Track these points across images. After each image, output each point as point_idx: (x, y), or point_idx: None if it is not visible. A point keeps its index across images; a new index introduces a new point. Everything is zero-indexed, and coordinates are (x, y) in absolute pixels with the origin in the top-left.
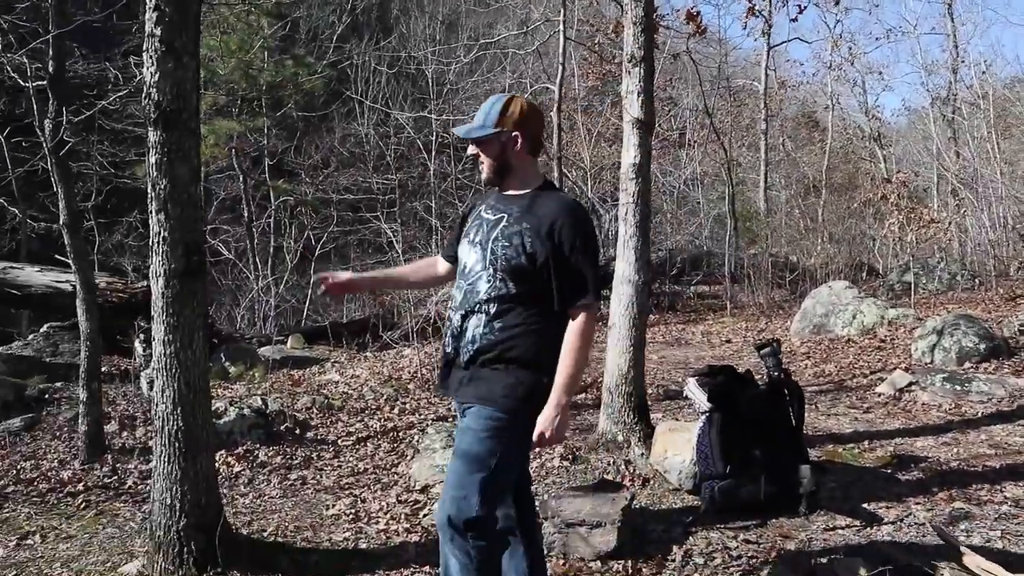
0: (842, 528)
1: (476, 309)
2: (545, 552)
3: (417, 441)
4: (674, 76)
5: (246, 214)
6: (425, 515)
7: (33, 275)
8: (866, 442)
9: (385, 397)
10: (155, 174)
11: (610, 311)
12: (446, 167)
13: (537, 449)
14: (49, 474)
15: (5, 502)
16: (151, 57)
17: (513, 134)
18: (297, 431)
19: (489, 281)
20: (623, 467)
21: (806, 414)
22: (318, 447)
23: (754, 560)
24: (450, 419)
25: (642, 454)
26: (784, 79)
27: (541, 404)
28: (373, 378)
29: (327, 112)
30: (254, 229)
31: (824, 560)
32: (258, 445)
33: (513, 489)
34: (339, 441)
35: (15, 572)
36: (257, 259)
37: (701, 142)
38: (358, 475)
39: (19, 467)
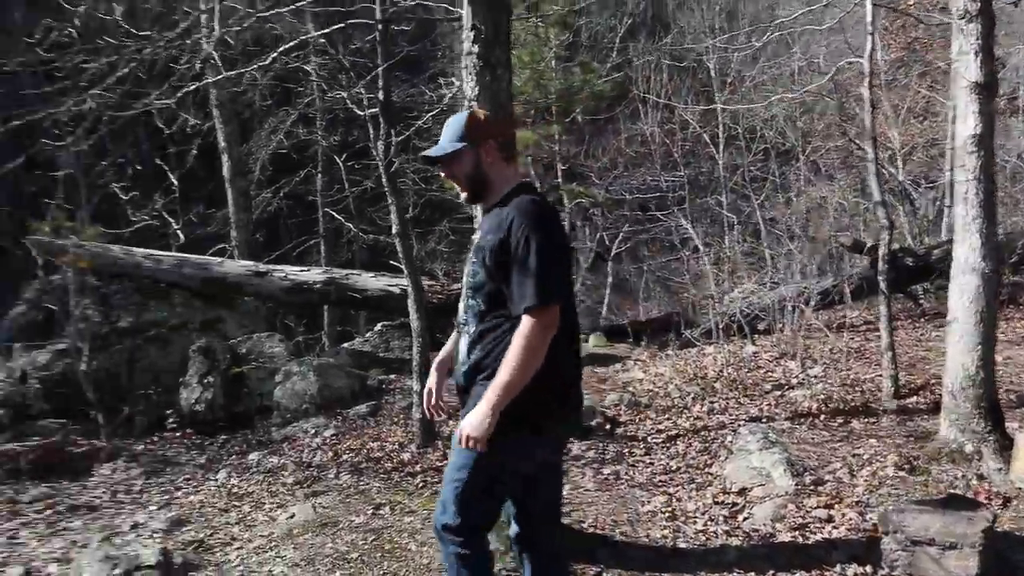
0: None
1: (462, 329)
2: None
3: (730, 442)
4: (999, 31)
5: None
6: (745, 519)
7: (368, 280)
8: None
9: (692, 396)
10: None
11: (949, 304)
12: (736, 160)
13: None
14: (391, 455)
15: (361, 476)
16: (470, 73)
17: (485, 143)
18: (607, 427)
19: (465, 299)
20: (974, 482)
21: None
22: (629, 443)
23: None
24: (763, 419)
25: (999, 468)
26: None
27: (517, 421)
28: (677, 376)
29: (612, 115)
30: None
31: None
32: (572, 439)
33: (517, 509)
34: (649, 438)
35: (374, 536)
36: None
37: None
38: (671, 473)
39: (368, 447)
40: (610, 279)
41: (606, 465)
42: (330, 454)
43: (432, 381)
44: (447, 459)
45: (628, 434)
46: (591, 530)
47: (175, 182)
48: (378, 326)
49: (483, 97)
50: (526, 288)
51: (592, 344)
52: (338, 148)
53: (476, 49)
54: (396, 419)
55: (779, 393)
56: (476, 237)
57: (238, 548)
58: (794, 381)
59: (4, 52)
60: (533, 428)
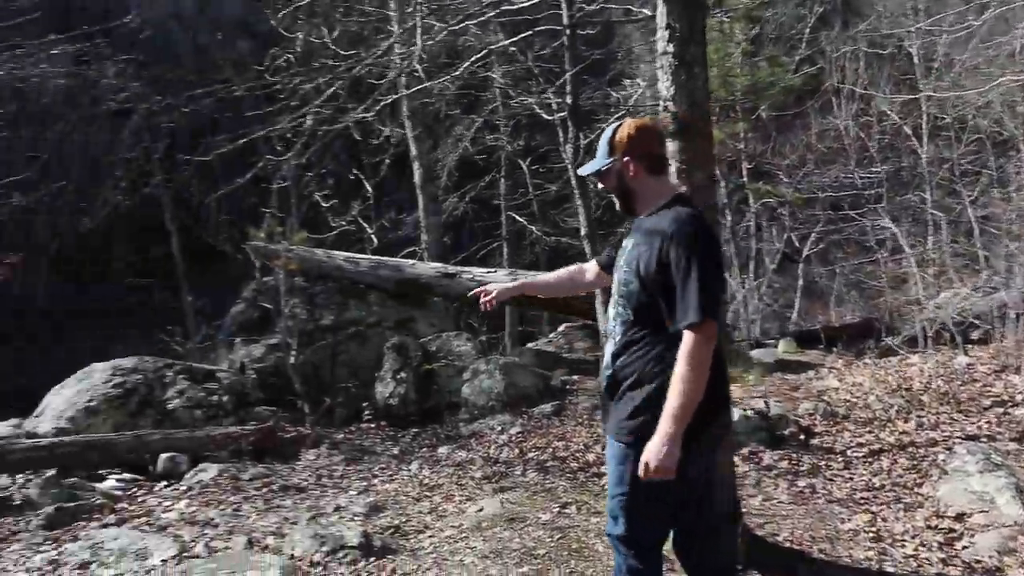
0: None
1: (609, 335)
2: None
3: (943, 461)
4: None
5: (728, 218)
6: (964, 548)
7: None
8: None
9: (896, 408)
10: (675, 182)
11: None
12: (943, 152)
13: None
14: (577, 455)
15: (547, 474)
16: (665, 73)
17: (624, 159)
18: (801, 437)
19: (615, 307)
20: None
21: None
22: (825, 456)
23: None
24: (982, 439)
25: None
26: None
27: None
28: (878, 387)
29: (801, 109)
30: (735, 232)
31: None
32: (762, 448)
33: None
34: (848, 452)
35: (560, 535)
36: (737, 263)
37: None
38: (874, 491)
39: (553, 446)
40: (800, 282)
41: (800, 477)
42: (516, 451)
43: (504, 286)
44: None
45: (824, 446)
46: (787, 544)
47: (370, 190)
48: (562, 327)
49: (679, 96)
50: (688, 304)
51: (781, 350)
52: (522, 153)
53: (671, 48)
54: (580, 419)
55: (1001, 411)
56: (627, 244)
57: (431, 536)
58: (1019, 398)
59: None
60: (689, 440)
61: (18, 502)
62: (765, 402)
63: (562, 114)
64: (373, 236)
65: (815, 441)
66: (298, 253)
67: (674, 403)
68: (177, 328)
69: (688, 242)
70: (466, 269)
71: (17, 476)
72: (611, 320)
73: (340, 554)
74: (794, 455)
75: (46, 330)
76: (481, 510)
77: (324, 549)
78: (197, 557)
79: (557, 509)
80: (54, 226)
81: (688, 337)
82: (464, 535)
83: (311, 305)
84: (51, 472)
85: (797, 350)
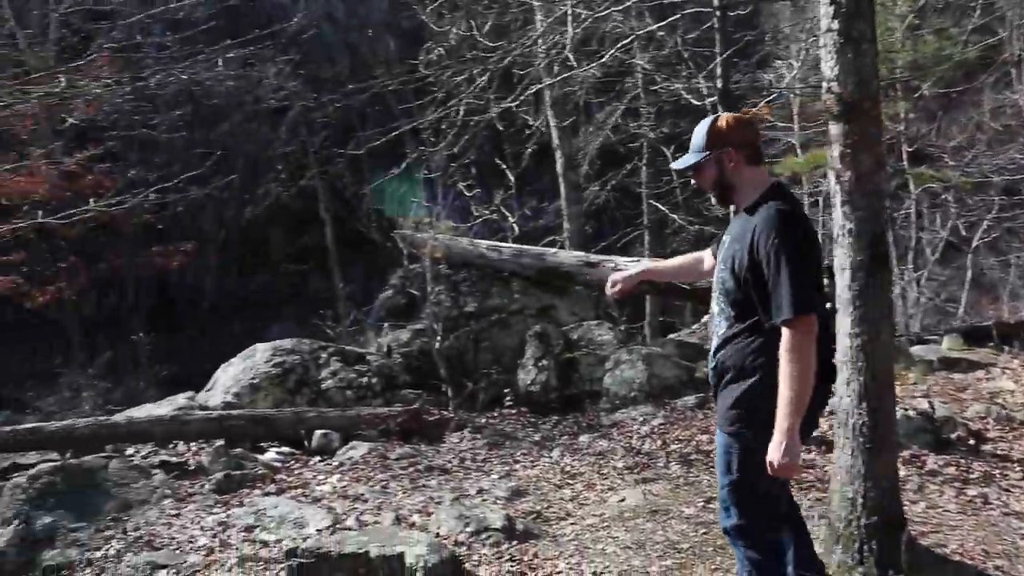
0: None
1: (713, 330)
2: None
3: None
4: None
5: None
6: None
7: None
8: None
9: None
10: (838, 166)
11: None
12: None
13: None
14: None
15: (691, 467)
16: (829, 51)
17: (725, 151)
18: (971, 442)
19: (716, 303)
20: None
21: None
22: (1000, 463)
23: None
24: None
25: None
26: None
27: (765, 423)
28: None
29: (971, 85)
30: (893, 221)
31: None
32: (926, 451)
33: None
34: None
35: (704, 530)
36: (894, 253)
37: None
38: None
39: (696, 439)
40: (968, 273)
41: (970, 485)
42: (658, 443)
43: (627, 274)
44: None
45: (998, 452)
46: (956, 557)
47: (512, 179)
48: (704, 318)
49: (845, 76)
50: (780, 300)
51: (946, 347)
52: (664, 139)
53: (836, 25)
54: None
55: None
56: (725, 240)
57: (572, 524)
58: None
59: (381, 76)
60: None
61: (192, 467)
62: (930, 403)
63: (712, 99)
64: (515, 225)
65: (987, 447)
66: (443, 241)
67: (783, 399)
68: (329, 313)
69: (777, 238)
70: (608, 258)
71: (192, 444)
72: (714, 316)
73: (484, 536)
74: (962, 461)
75: (214, 316)
76: (623, 500)
77: (468, 530)
78: (349, 529)
79: (702, 504)
80: (220, 218)
81: (786, 333)
82: (606, 524)
83: (455, 292)
84: (220, 442)
85: (964, 347)
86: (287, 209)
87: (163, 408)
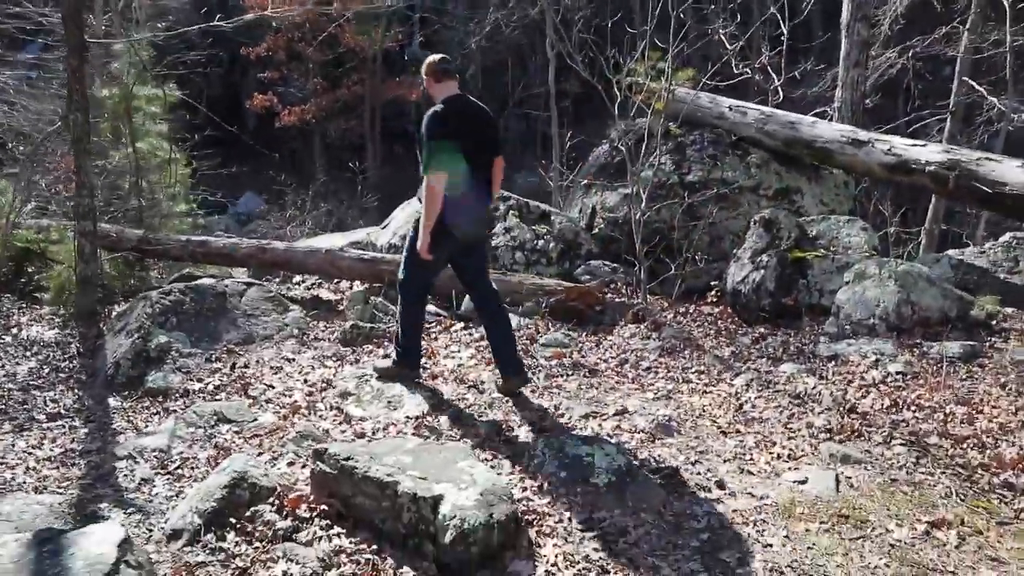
0: None
1: None
2: None
3: None
4: None
5: None
6: None
7: (1010, 171)
8: None
9: None
10: None
11: None
12: None
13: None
14: (985, 440)
15: (924, 455)
16: None
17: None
18: None
19: None
20: None
21: None
22: None
23: None
24: None
25: None
26: None
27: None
28: None
29: None
30: None
31: None
32: None
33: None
34: None
35: (912, 569)
36: None
37: None
38: None
39: (948, 411)
40: None
41: None
42: (887, 402)
43: None
44: None
45: None
46: None
47: (785, 31)
48: (1005, 236)
49: None
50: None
51: None
52: None
53: None
54: (1006, 380)
55: None
56: None
57: (710, 502)
58: None
59: None
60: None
61: (341, 308)
62: None
63: None
64: (779, 88)
65: None
66: (678, 94)
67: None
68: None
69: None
70: (883, 137)
71: (352, 283)
72: None
73: (577, 487)
74: None
75: None
76: (803, 482)
77: (562, 476)
78: (431, 430)
79: (924, 524)
80: (463, 53)
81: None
82: (756, 521)
83: (679, 155)
84: (362, 287)
85: None
86: (518, 47)
87: (338, 240)
